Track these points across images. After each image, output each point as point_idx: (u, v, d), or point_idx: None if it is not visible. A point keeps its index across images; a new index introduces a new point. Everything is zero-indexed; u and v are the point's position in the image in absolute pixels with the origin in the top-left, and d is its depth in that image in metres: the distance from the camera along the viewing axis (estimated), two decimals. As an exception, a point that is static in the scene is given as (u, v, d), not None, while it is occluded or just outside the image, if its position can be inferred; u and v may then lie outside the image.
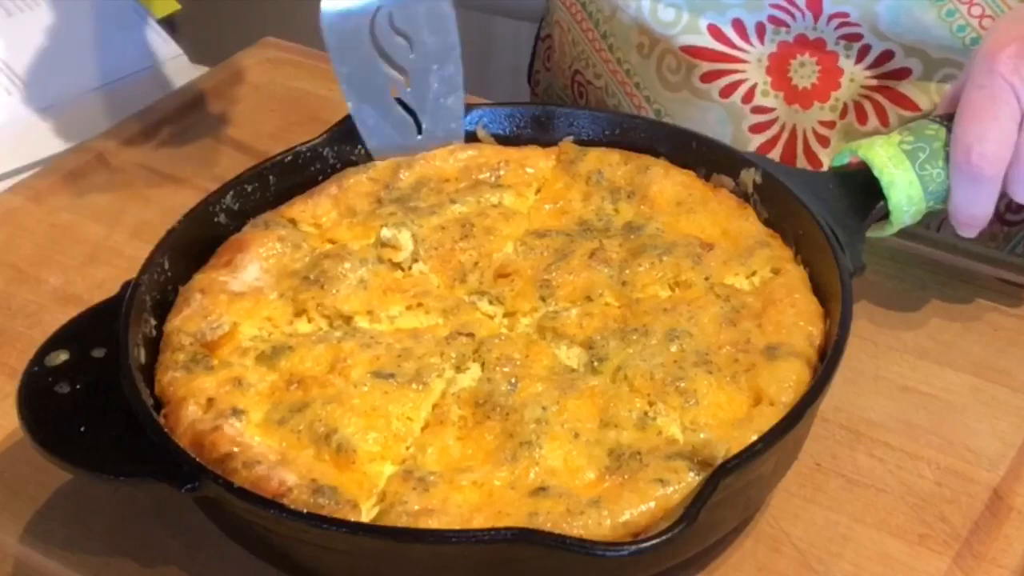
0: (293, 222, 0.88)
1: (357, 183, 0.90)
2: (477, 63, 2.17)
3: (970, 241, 1.02)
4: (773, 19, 1.01)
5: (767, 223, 0.87)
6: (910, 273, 0.96)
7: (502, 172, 0.91)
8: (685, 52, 1.04)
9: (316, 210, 0.88)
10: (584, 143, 0.93)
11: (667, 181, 0.89)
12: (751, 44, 1.03)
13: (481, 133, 0.95)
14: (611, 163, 0.91)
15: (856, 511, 0.78)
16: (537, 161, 0.92)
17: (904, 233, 0.94)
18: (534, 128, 0.95)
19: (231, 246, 0.85)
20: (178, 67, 1.23)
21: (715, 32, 1.03)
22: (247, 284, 0.82)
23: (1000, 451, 0.82)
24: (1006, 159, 0.83)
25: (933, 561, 0.75)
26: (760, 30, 1.02)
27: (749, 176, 0.88)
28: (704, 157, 0.90)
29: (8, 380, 0.88)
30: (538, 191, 0.91)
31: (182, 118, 1.15)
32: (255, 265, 0.83)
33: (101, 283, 0.96)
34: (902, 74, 1.00)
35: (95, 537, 0.77)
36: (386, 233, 0.85)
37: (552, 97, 1.24)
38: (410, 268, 0.84)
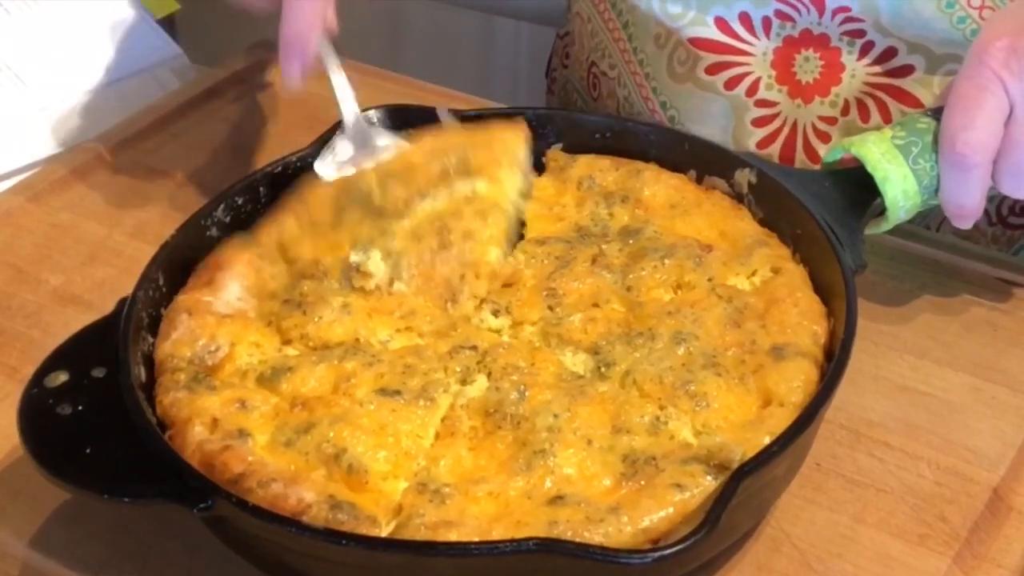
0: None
1: (318, 193, 0.86)
2: (477, 63, 2.17)
3: (970, 241, 1.02)
4: (779, 13, 1.01)
5: (762, 223, 0.87)
6: (910, 273, 0.96)
7: (469, 154, 0.87)
8: (692, 44, 1.05)
9: (280, 229, 0.85)
10: (576, 148, 0.93)
11: (659, 185, 0.89)
12: (757, 38, 1.03)
13: (443, 115, 0.92)
14: (601, 168, 0.91)
15: (856, 511, 0.78)
16: (503, 134, 0.89)
17: (904, 233, 0.94)
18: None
19: (210, 265, 0.83)
20: (178, 67, 1.23)
21: (722, 25, 1.03)
22: (231, 305, 0.81)
23: (1000, 451, 0.82)
24: (992, 148, 0.84)
25: (933, 561, 0.75)
26: (766, 24, 1.02)
27: (744, 176, 0.88)
28: (697, 158, 0.90)
29: (8, 380, 0.88)
30: (511, 167, 0.88)
31: (182, 118, 1.15)
32: (235, 284, 0.82)
33: (101, 283, 0.96)
34: (905, 71, 1.00)
35: (96, 538, 0.77)
36: (355, 258, 0.82)
37: (569, 94, 1.25)
38: (389, 288, 0.82)
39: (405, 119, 0.94)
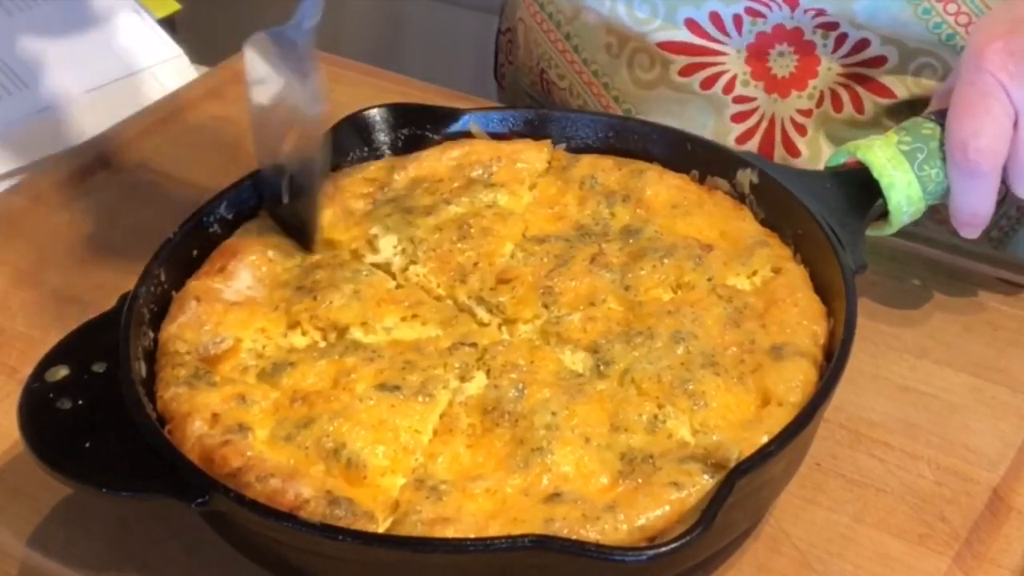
0: None
1: (352, 183, 0.90)
2: (477, 63, 2.17)
3: (969, 241, 1.02)
4: (750, 10, 1.02)
5: (764, 223, 0.87)
6: (910, 273, 0.96)
7: (494, 169, 0.91)
8: (662, 48, 1.05)
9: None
10: (577, 148, 0.93)
11: (661, 185, 0.89)
12: (729, 36, 1.04)
13: (474, 128, 0.94)
14: (604, 168, 0.91)
15: (856, 511, 0.78)
16: (529, 155, 0.92)
17: (904, 233, 0.94)
18: (527, 133, 0.95)
19: (224, 252, 0.84)
20: (178, 67, 1.23)
21: (692, 26, 1.04)
22: (241, 293, 0.81)
23: (1000, 451, 0.82)
24: (1003, 153, 0.84)
25: (933, 561, 0.75)
26: (737, 22, 1.03)
27: (746, 177, 0.88)
28: (699, 159, 0.90)
29: (8, 380, 0.88)
30: (531, 187, 0.91)
31: (182, 118, 1.15)
32: (248, 273, 0.83)
33: (101, 283, 0.96)
34: (878, 62, 1.01)
35: (95, 537, 0.77)
36: (373, 231, 0.85)
37: (519, 92, 1.24)
38: (405, 271, 0.84)
39: (405, 118, 0.94)
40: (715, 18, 1.03)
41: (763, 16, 1.02)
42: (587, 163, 0.91)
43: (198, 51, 1.27)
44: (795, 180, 0.87)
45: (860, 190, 0.87)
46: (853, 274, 0.79)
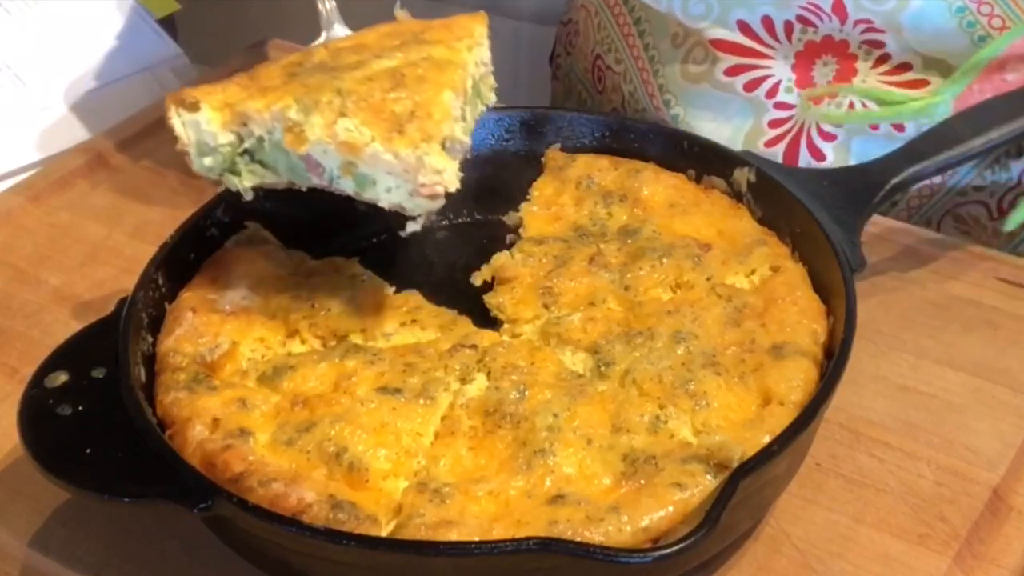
0: (196, 103, 0.78)
1: (268, 69, 0.82)
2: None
3: (971, 235, 1.02)
4: (801, 18, 1.02)
5: (761, 222, 0.87)
6: (910, 273, 0.96)
7: (425, 33, 0.84)
8: (714, 45, 1.05)
9: (224, 93, 0.79)
10: (574, 147, 0.93)
11: (658, 184, 0.89)
12: (779, 41, 1.04)
13: (400, 14, 0.87)
14: (600, 168, 0.91)
15: (856, 511, 0.78)
16: (463, 21, 0.85)
17: (904, 233, 0.94)
18: (524, 133, 0.95)
19: (216, 263, 0.84)
20: (178, 67, 1.23)
21: (744, 28, 1.04)
22: (236, 304, 0.81)
23: (1000, 451, 0.82)
24: None
25: (933, 561, 0.75)
26: (788, 28, 1.03)
27: (743, 175, 0.88)
28: (695, 157, 0.91)
29: (8, 380, 0.88)
30: (469, 49, 0.83)
31: (182, 118, 1.15)
32: (241, 283, 0.82)
33: (101, 283, 0.96)
34: (919, 84, 1.01)
35: (95, 537, 0.77)
36: (293, 115, 0.75)
37: (573, 81, 1.25)
38: (332, 125, 0.75)
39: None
40: (767, 22, 1.03)
41: (814, 25, 1.02)
42: (583, 163, 0.91)
43: (198, 51, 1.27)
44: (792, 178, 0.87)
45: (857, 188, 0.87)
46: (852, 272, 0.79)
